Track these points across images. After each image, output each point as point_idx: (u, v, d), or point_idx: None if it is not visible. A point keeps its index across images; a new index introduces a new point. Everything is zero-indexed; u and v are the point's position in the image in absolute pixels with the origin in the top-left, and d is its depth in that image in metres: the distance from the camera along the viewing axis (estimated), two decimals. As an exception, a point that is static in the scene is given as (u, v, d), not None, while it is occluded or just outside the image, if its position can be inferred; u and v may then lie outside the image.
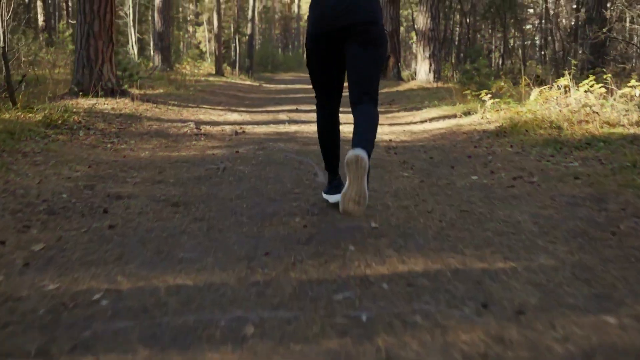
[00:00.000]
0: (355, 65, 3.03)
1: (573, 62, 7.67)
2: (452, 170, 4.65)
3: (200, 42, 32.43)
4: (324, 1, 3.02)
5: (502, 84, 9.14)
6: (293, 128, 7.22)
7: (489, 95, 7.71)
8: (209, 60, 30.98)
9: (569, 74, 7.08)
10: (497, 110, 7.62)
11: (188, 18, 37.14)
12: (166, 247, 2.72)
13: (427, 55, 13.73)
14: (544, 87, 7.49)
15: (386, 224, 3.11)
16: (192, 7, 36.19)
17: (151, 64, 21.37)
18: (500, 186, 3.99)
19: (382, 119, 8.42)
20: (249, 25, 39.66)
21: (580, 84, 6.67)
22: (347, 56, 3.06)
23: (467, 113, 7.95)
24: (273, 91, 15.14)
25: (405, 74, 18.64)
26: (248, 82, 19.30)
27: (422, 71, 13.89)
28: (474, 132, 6.72)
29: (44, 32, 22.81)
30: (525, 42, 21.02)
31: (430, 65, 13.74)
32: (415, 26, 13.64)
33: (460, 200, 3.60)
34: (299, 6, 61.65)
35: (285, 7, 61.86)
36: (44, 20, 24.51)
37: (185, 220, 3.17)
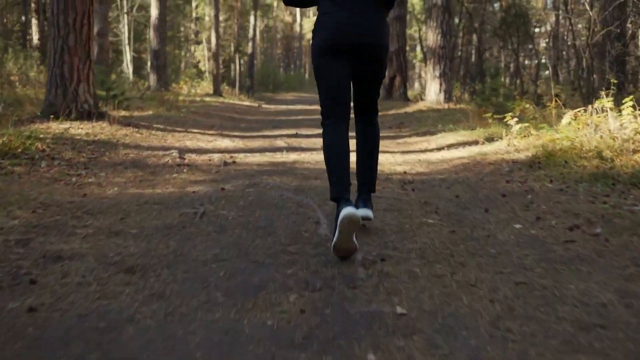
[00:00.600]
0: (360, 84, 3.23)
1: (612, 80, 6.74)
2: (487, 215, 3.75)
3: (199, 62, 31.73)
4: (336, 16, 3.03)
5: (526, 105, 8.26)
6: (292, 157, 6.33)
7: (515, 119, 6.81)
8: (208, 79, 30.26)
9: (607, 94, 6.19)
10: (525, 136, 6.73)
11: (189, 37, 36.52)
12: (96, 351, 1.82)
13: (437, 74, 12.89)
14: (578, 109, 6.60)
15: (417, 307, 2.21)
16: (193, 26, 35.55)
17: (146, 83, 20.59)
18: (556, 241, 3.09)
19: (393, 145, 7.54)
20: (250, 44, 39.00)
21: (623, 107, 5.77)
22: (355, 70, 3.15)
23: (489, 139, 7.06)
24: (272, 112, 14.29)
25: (411, 93, 17.81)
26: (246, 103, 18.47)
27: (431, 91, 13.04)
28: (501, 162, 5.83)
29: (38, 50, 22.07)
30: (535, 61, 20.19)
31: (441, 85, 12.89)
32: (425, 43, 12.78)
33: (510, 265, 2.71)
34: (300, 25, 61.21)
35: (287, 26, 61.43)
36: (39, 39, 23.76)
37: (138, 297, 2.29)
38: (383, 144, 7.62)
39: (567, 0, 12.93)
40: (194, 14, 33.03)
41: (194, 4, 32.43)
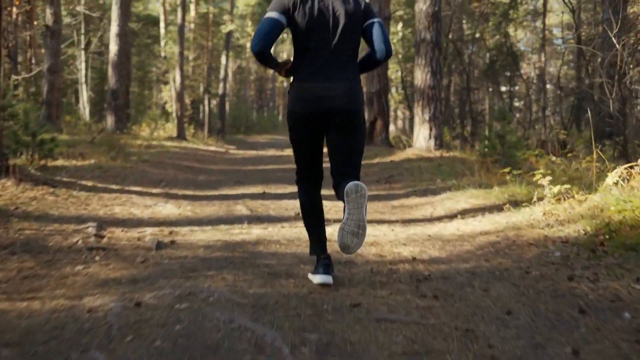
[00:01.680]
0: (337, 153, 3.18)
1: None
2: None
3: (166, 102, 30.00)
4: (309, 82, 3.10)
5: (554, 158, 6.71)
6: (255, 232, 4.59)
7: (548, 179, 5.19)
8: (174, 121, 28.53)
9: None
10: (559, 199, 5.13)
11: (159, 77, 34.90)
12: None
13: (427, 117, 11.35)
14: (628, 164, 5.02)
15: None
16: (162, 66, 33.93)
17: (101, 126, 18.82)
18: None
19: (387, 210, 5.85)
20: (221, 85, 37.56)
21: None
22: (328, 140, 3.21)
23: (514, 202, 5.42)
24: (239, 160, 12.57)
25: (392, 136, 16.31)
26: (212, 148, 16.74)
27: (420, 137, 11.48)
28: (545, 241, 4.18)
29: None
30: (521, 102, 18.87)
31: (431, 129, 11.34)
32: (414, 83, 11.28)
33: None
34: (274, 67, 60.09)
35: (260, 67, 60.24)
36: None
37: None
38: (375, 209, 5.95)
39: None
40: (162, 53, 31.43)
41: (162, 42, 30.85)
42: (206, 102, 31.09)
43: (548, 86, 21.11)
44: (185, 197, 6.15)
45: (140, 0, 41.18)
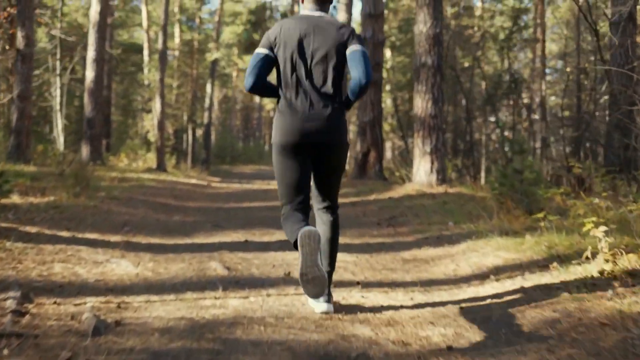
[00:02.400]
0: (319, 180, 3.33)
1: None
2: None
3: (148, 131, 28.88)
4: (294, 113, 3.15)
5: (596, 200, 5.68)
6: (231, 305, 3.44)
7: (603, 229, 4.13)
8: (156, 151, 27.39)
9: None
10: (614, 254, 4.07)
11: (142, 106, 33.80)
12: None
13: (428, 149, 10.33)
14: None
15: None
16: (146, 94, 32.82)
17: (73, 156, 17.66)
18: None
19: (398, 266, 4.74)
20: (206, 114, 36.59)
21: None
22: (314, 167, 3.28)
23: (558, 258, 4.35)
24: (222, 196, 11.43)
25: (385, 167, 15.28)
26: (194, 181, 15.59)
27: (421, 171, 10.44)
28: (623, 320, 3.08)
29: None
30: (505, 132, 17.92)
31: (432, 162, 10.31)
32: (414, 112, 10.28)
33: None
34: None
35: (247, 96, 59.45)
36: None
37: None
38: (384, 264, 4.82)
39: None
40: (145, 81, 30.38)
41: (145, 69, 29.79)
42: (190, 131, 30.00)
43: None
44: (149, 249, 5.00)
45: (125, 29, 40.38)
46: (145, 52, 30.10)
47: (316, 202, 3.40)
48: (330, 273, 3.42)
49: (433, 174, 10.39)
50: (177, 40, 30.65)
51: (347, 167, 21.46)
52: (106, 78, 28.81)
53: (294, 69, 3.19)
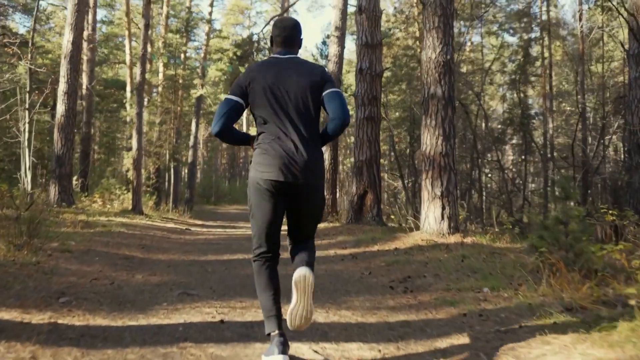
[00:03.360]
0: (296, 221, 3.34)
1: None
2: None
3: (128, 170, 27.35)
4: (273, 152, 3.16)
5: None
6: None
7: None
8: (136, 191, 25.82)
9: None
10: None
11: (124, 145, 32.29)
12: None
13: (439, 192, 8.95)
14: None
15: None
16: (127, 131, 31.34)
17: (42, 197, 16.14)
18: None
19: (432, 356, 3.29)
20: (191, 152, 35.17)
21: None
22: (289, 209, 3.30)
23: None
24: (200, 245, 9.92)
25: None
26: (171, 225, 14.07)
27: (430, 217, 9.04)
28: None
29: None
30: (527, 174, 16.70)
31: (444, 208, 8.92)
32: (421, 149, 8.94)
33: None
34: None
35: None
36: None
37: None
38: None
39: None
40: (128, 118, 28.95)
41: (127, 106, 28.39)
42: (172, 170, 28.50)
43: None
44: (80, 339, 3.47)
45: (109, 65, 39.16)
46: (128, 88, 28.81)
47: (295, 242, 3.38)
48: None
49: (444, 220, 8.99)
50: (160, 75, 29.40)
51: (337, 210, 20.07)
52: (86, 114, 27.49)
53: (270, 111, 3.22)
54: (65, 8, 18.90)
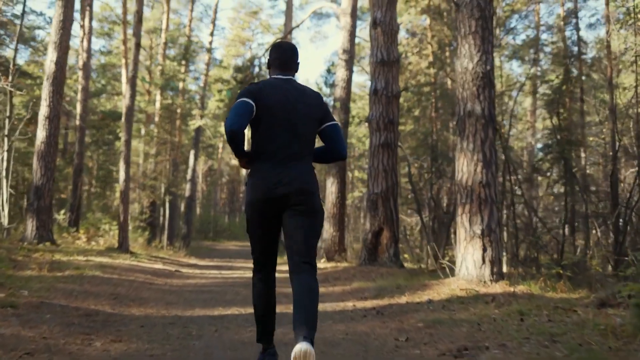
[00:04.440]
0: (294, 234, 3.26)
1: None
2: None
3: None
4: (264, 172, 3.26)
5: None
6: None
7: None
8: (130, 226, 24.19)
9: None
10: None
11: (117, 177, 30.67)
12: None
13: (479, 231, 7.35)
14: None
15: None
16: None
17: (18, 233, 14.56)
18: None
19: None
20: (188, 186, 33.62)
21: None
22: (285, 225, 3.30)
23: None
24: (187, 292, 8.24)
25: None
26: (159, 266, 12.40)
27: (468, 260, 7.43)
28: None
29: None
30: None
31: (485, 249, 7.32)
32: (456, 178, 7.33)
33: None
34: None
35: (233, 169, 56.79)
36: None
37: None
38: None
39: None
40: (122, 148, 27.44)
41: (122, 137, 26.90)
42: (167, 204, 26.88)
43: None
44: None
45: (106, 97, 37.78)
46: (124, 119, 27.40)
47: (294, 267, 3.26)
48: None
49: (485, 265, 7.36)
50: (157, 105, 28.03)
51: (345, 248, 18.44)
52: (78, 145, 25.99)
53: (270, 129, 3.27)
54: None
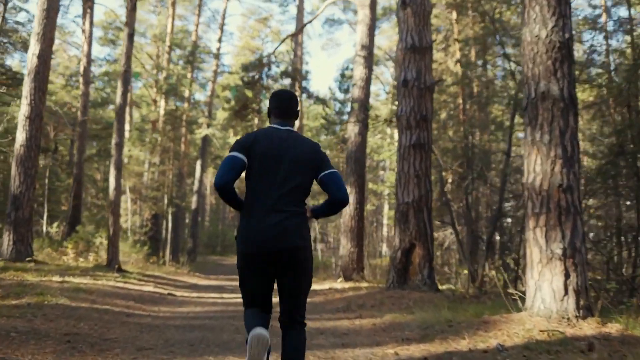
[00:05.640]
0: (285, 291, 3.28)
1: None
2: None
3: (120, 216, 23.99)
4: (255, 224, 3.20)
5: None
6: None
7: None
8: (130, 239, 22.43)
9: None
10: None
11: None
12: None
13: (559, 250, 5.51)
14: None
15: None
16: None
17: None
18: None
19: None
20: (194, 198, 31.91)
21: None
22: (277, 279, 3.28)
23: None
24: (173, 328, 6.34)
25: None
26: (149, 288, 10.57)
27: (544, 289, 5.57)
28: None
29: None
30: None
31: (567, 275, 5.47)
32: (524, 179, 5.44)
33: None
34: (257, 180, 54.93)
35: (243, 182, 54.84)
36: None
37: None
38: None
39: None
40: (126, 160, 25.69)
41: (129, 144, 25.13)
42: (170, 217, 25.10)
43: None
44: None
45: (106, 107, 36.06)
46: (127, 127, 25.78)
47: (286, 319, 3.31)
48: None
49: (569, 296, 5.48)
50: (161, 111, 26.36)
51: (363, 267, 16.56)
52: (78, 154, 24.34)
53: (261, 178, 3.25)
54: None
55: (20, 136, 12.54)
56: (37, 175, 13.03)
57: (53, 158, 34.87)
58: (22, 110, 12.64)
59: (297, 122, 3.43)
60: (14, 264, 11.22)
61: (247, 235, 3.19)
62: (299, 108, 3.62)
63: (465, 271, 12.82)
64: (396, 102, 10.99)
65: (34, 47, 12.74)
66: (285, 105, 3.50)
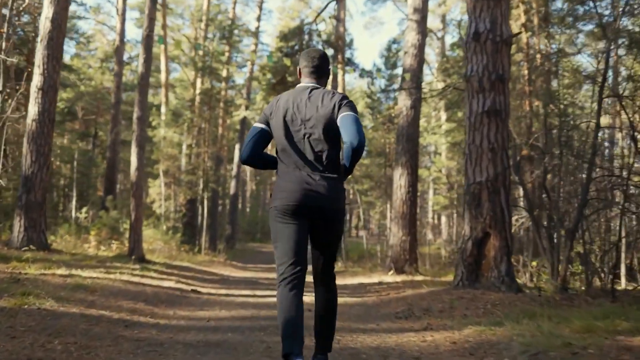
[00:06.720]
0: (318, 247, 3.36)
1: None
2: None
3: (153, 202, 22.75)
4: (292, 181, 3.23)
5: None
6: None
7: None
8: (164, 226, 21.13)
9: None
10: None
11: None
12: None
13: None
14: None
15: None
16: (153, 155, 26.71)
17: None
18: None
19: None
20: (233, 183, 30.59)
21: None
22: (312, 234, 3.33)
23: None
24: (185, 344, 4.67)
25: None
26: (169, 283, 9.04)
27: None
28: None
29: None
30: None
31: None
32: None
33: None
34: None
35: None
36: None
37: None
38: None
39: None
40: (155, 139, 24.34)
41: (161, 129, 23.78)
42: (206, 202, 23.72)
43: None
44: None
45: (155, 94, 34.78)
46: (163, 109, 24.49)
47: (315, 276, 3.39)
48: (326, 345, 3.36)
49: None
50: (197, 91, 24.97)
51: (416, 257, 14.84)
52: (111, 136, 23.20)
53: (287, 139, 3.26)
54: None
55: (32, 110, 11.17)
56: (51, 154, 11.63)
57: (93, 144, 34.14)
58: (34, 81, 11.27)
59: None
60: (23, 253, 9.86)
61: (282, 193, 3.20)
62: (330, 67, 3.54)
63: (534, 264, 11.01)
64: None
65: (47, 10, 11.32)
66: (315, 63, 3.42)
